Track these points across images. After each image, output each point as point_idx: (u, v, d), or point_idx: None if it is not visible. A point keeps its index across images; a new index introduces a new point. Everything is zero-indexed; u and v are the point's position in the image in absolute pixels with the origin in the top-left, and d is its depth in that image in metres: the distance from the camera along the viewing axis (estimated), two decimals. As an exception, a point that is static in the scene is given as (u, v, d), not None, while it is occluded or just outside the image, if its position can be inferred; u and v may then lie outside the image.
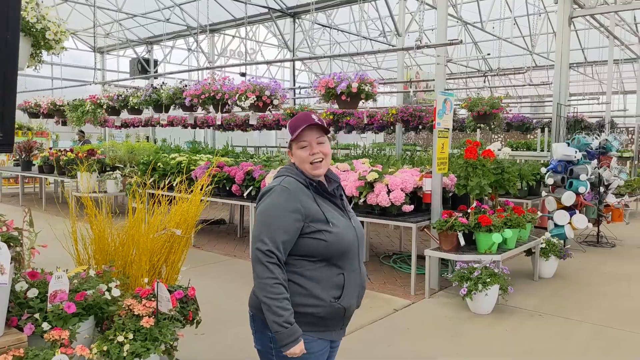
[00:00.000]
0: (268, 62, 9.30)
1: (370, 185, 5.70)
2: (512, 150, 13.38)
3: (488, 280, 4.81)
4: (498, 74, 9.37)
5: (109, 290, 2.45)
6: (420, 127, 8.31)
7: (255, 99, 5.83)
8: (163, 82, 7.69)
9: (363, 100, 5.58)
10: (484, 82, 8.00)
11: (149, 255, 2.79)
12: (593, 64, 19.08)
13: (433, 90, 15.66)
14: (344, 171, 6.35)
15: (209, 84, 6.32)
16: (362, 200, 5.75)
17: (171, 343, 2.25)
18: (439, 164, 5.59)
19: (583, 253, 7.76)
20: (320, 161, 2.03)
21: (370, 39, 13.38)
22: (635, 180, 12.07)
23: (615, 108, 18.12)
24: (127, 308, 2.34)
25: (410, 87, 7.91)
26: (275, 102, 5.96)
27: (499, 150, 6.37)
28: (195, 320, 2.72)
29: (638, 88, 15.77)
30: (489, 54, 12.38)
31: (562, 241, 6.67)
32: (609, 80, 13.12)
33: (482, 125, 6.85)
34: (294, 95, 12.28)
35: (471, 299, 4.85)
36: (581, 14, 9.05)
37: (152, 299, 2.38)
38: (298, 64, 23.37)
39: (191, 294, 2.76)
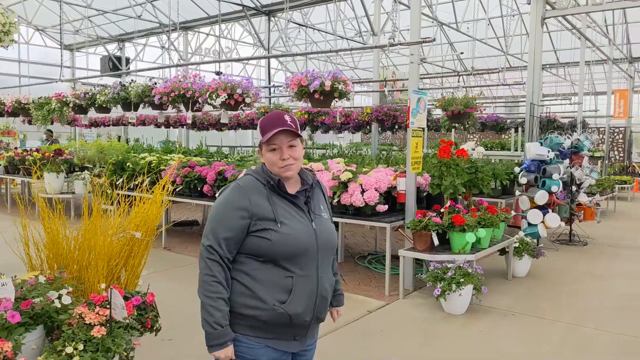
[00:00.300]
0: (239, 60, 9.11)
1: (344, 185, 5.61)
2: (486, 149, 13.50)
3: (462, 280, 4.76)
4: (472, 74, 9.40)
5: (59, 297, 2.30)
6: (396, 127, 8.26)
7: (227, 97, 5.68)
8: (132, 80, 7.47)
9: (337, 99, 5.49)
10: (458, 81, 7.98)
11: (107, 259, 2.64)
12: (565, 65, 19.40)
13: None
14: (318, 171, 6.25)
15: (179, 81, 6.14)
16: (336, 200, 5.66)
17: (126, 353, 2.11)
18: (413, 163, 5.54)
19: (556, 252, 7.82)
20: (290, 165, 1.97)
21: (347, 39, 13.32)
22: (606, 179, 12.27)
23: (586, 108, 18.44)
24: (78, 317, 2.18)
25: (385, 86, 7.86)
26: (248, 100, 5.82)
27: (473, 149, 6.36)
28: (154, 328, 2.58)
29: (608, 89, 16.07)
30: (462, 53, 12.43)
31: (535, 240, 6.69)
32: (581, 81, 13.31)
33: (456, 124, 6.83)
34: (269, 94, 12.13)
35: (445, 300, 4.80)
36: (553, 15, 9.13)
37: (107, 306, 2.23)
38: (274, 63, 23.21)
39: (150, 300, 2.61)
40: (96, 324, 2.12)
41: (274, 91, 11.90)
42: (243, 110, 5.94)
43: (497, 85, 12.67)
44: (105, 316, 2.16)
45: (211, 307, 1.82)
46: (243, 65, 21.66)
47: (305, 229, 1.95)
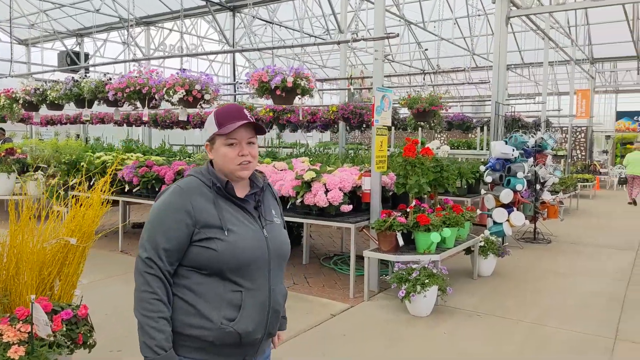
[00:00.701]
0: (196, 55, 8.77)
1: (307, 185, 5.45)
2: (453, 148, 13.58)
3: (426, 281, 4.66)
4: (437, 72, 9.34)
5: (-22, 312, 2.07)
6: (364, 125, 8.15)
7: (185, 93, 5.44)
8: (86, 74, 7.12)
9: (300, 96, 5.32)
10: (424, 79, 7.94)
11: (38, 268, 2.40)
12: (530, 66, 19.72)
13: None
14: (282, 170, 6.07)
15: (135, 77, 5.86)
16: (299, 200, 5.49)
17: (51, 374, 1.90)
18: (377, 162, 5.42)
19: (521, 250, 7.85)
20: (248, 163, 1.79)
21: (314, 37, 13.16)
22: (569, 177, 12.49)
23: (550, 108, 18.80)
24: (-3, 334, 1.96)
25: (351, 84, 7.75)
26: (207, 97, 5.59)
27: (438, 148, 6.29)
28: (87, 344, 2.35)
29: (571, 89, 16.39)
30: (426, 50, 12.43)
31: (500, 239, 6.68)
32: (545, 82, 13.51)
33: (422, 123, 6.75)
34: (235, 92, 11.87)
35: (410, 302, 4.69)
36: (518, 14, 9.19)
37: (31, 321, 2.01)
38: (241, 61, 22.86)
39: (82, 314, 2.39)
40: (15, 342, 1.89)
41: (238, 88, 11.64)
42: (202, 107, 5.71)
43: (463, 84, 12.73)
44: (28, 333, 1.94)
45: (152, 328, 1.61)
46: (209, 63, 21.26)
47: (255, 236, 1.76)
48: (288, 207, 5.79)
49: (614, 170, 17.86)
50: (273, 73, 4.95)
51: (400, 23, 19.28)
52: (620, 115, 24.59)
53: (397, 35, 4.79)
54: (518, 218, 7.73)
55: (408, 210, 5.42)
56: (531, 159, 8.23)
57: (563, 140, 17.92)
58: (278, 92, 4.97)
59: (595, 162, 18.32)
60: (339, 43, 5.41)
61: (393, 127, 10.34)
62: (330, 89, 18.26)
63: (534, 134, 8.30)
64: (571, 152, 16.28)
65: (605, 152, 21.36)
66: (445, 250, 5.35)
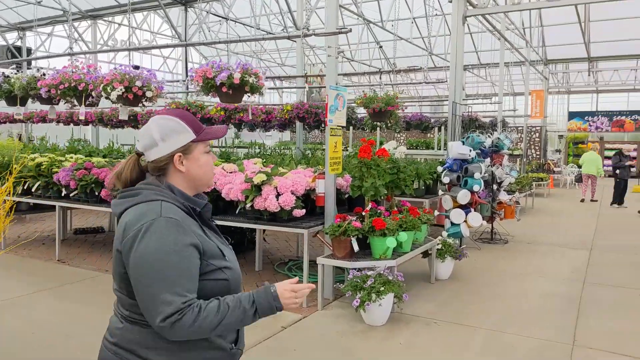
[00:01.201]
0: (138, 49, 8.29)
1: (257, 188, 5.14)
2: (412, 149, 13.52)
3: (382, 288, 4.45)
4: (393, 71, 9.20)
5: None
6: (323, 125, 7.90)
7: (124, 90, 5.04)
8: (18, 69, 6.58)
9: (249, 94, 5.01)
10: (380, 78, 7.78)
11: None
12: (486, 66, 19.99)
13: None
14: (231, 172, 5.75)
15: (70, 72, 5.41)
16: (249, 205, 5.18)
17: None
18: (331, 164, 5.17)
19: (478, 251, 7.78)
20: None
21: (271, 34, 12.80)
22: (525, 177, 12.63)
23: (506, 108, 19.13)
24: None
25: (310, 82, 7.47)
26: (149, 94, 5.20)
27: (395, 149, 6.11)
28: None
29: (526, 90, 16.69)
30: (380, 46, 12.28)
31: (457, 241, 6.56)
32: (500, 82, 13.65)
33: (379, 123, 6.56)
34: (187, 90, 11.40)
35: (364, 311, 4.46)
36: (474, 14, 9.15)
37: None
38: (196, 58, 22.27)
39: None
40: None
41: (187, 86, 11.18)
42: (144, 105, 5.32)
43: (421, 83, 12.69)
44: None
45: (234, 314, 1.48)
46: (164, 60, 20.58)
47: (234, 257, 1.68)
48: (238, 211, 5.47)
49: (567, 169, 18.31)
50: (218, 69, 4.62)
51: (360, 22, 19.19)
52: (572, 115, 25.35)
53: (350, 30, 4.56)
54: (475, 219, 7.66)
55: (364, 213, 5.20)
56: (488, 159, 8.18)
57: (519, 140, 18.24)
58: (224, 89, 4.64)
59: (549, 161, 18.74)
60: (289, 37, 5.13)
61: (352, 127, 10.16)
62: (289, 87, 17.95)
63: (491, 134, 8.26)
64: (526, 152, 16.54)
65: (559, 151, 21.94)
66: (402, 254, 5.16)
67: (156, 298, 1.41)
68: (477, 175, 7.58)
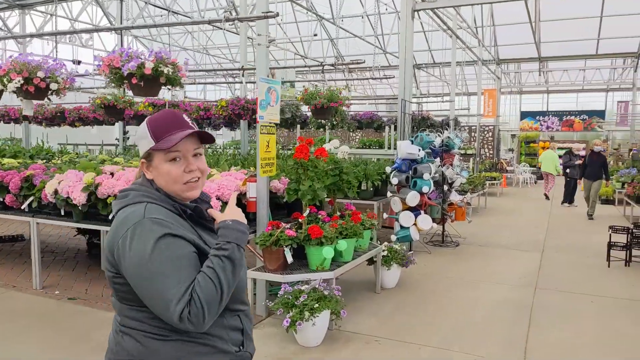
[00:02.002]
0: (60, 33, 7.45)
1: (179, 193, 4.56)
2: (365, 148, 13.15)
3: (316, 305, 3.96)
4: (336, 65, 8.78)
5: None
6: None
7: (23, 81, 4.37)
8: None
9: (167, 87, 4.43)
10: (322, 72, 7.34)
11: None
12: (440, 65, 19.93)
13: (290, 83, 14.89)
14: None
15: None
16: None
17: None
18: (263, 165, 4.66)
19: (429, 255, 7.44)
20: (197, 180, 1.56)
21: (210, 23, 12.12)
22: (477, 176, 12.47)
23: (460, 107, 19.11)
24: None
25: (243, 76, 6.94)
26: (54, 86, 4.54)
27: (337, 148, 5.65)
28: None
29: (478, 89, 16.65)
30: (315, 35, 11.83)
31: (404, 246, 6.16)
32: (453, 80, 13.47)
33: (323, 121, 6.07)
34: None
35: (296, 332, 3.97)
36: (423, 7, 8.83)
37: None
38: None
39: None
40: None
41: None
42: (49, 100, 4.66)
43: (368, 79, 12.33)
44: None
45: (223, 264, 1.44)
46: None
47: None
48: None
49: (520, 168, 18.44)
50: (127, 57, 4.02)
51: (313, 18, 18.76)
52: (524, 115, 25.74)
53: (277, 14, 4.06)
54: (425, 221, 7.31)
55: (301, 220, 4.71)
56: (438, 159, 7.86)
57: (472, 139, 18.22)
58: (134, 81, 4.05)
59: (502, 160, 18.82)
60: (209, 22, 4.58)
61: (298, 126, 9.68)
62: (233, 82, 17.30)
63: (441, 133, 7.95)
64: (479, 151, 16.51)
65: (511, 150, 22.15)
66: (342, 264, 4.70)
67: (160, 298, 1.39)
68: (426, 175, 7.23)
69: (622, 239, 7.17)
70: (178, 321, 1.37)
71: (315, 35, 12.06)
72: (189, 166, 1.53)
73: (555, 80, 23.62)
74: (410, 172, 7.37)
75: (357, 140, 18.98)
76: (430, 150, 8.14)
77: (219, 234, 1.50)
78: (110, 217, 1.47)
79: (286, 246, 4.37)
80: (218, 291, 1.41)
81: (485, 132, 18.46)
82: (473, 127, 18.46)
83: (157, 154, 1.52)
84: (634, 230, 6.89)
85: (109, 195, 4.90)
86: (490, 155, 18.64)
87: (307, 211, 4.89)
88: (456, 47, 13.00)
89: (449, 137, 8.00)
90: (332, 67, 8.66)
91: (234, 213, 1.56)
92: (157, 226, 1.42)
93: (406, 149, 7.30)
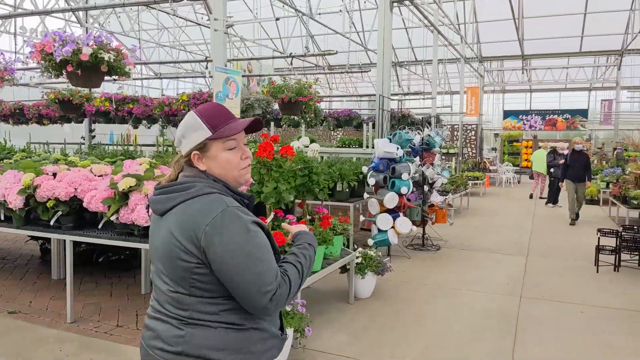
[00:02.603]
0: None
1: (124, 196, 4.06)
2: (344, 147, 12.69)
3: (276, 324, 3.49)
4: (306, 56, 8.26)
5: None
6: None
7: (-55, 70, 3.83)
8: None
9: (112, 78, 3.92)
10: (290, 64, 6.83)
11: None
12: (422, 63, 19.58)
13: (266, 79, 14.35)
14: (101, 176, 4.62)
15: None
16: (114, 217, 4.09)
17: None
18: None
19: (408, 260, 7.02)
20: (249, 165, 1.64)
21: (187, 20, 11.59)
22: (459, 176, 12.11)
23: (442, 105, 18.77)
24: None
25: (207, 68, 6.42)
26: (-17, 76, 4.00)
27: (306, 146, 5.19)
28: None
29: (461, 87, 16.30)
30: (278, 19, 11.33)
31: (380, 252, 5.72)
32: (434, 75, 13.09)
33: (292, 116, 5.59)
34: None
35: (252, 354, 3.49)
36: (403, -1, 8.40)
37: None
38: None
39: None
40: None
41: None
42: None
43: (341, 72, 11.88)
44: None
45: (305, 261, 1.64)
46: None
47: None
48: (101, 225, 4.36)
49: (503, 168, 18.17)
50: (61, 41, 3.50)
51: (292, 14, 18.24)
52: (507, 114, 25.55)
53: (230, -8, 3.59)
54: (404, 225, 6.89)
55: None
56: (417, 158, 7.45)
57: (455, 138, 17.89)
58: (70, 68, 3.54)
59: (485, 160, 18.54)
60: (155, 2, 4.08)
61: (272, 124, 9.18)
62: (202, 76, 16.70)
63: (421, 130, 7.53)
64: (462, 150, 16.18)
65: (495, 149, 21.91)
66: (310, 274, 4.22)
67: (257, 281, 1.46)
68: (405, 176, 6.81)
69: (610, 242, 6.83)
70: (268, 302, 1.46)
71: (278, 19, 11.50)
72: (244, 153, 1.60)
73: (539, 79, 23.46)
74: (388, 172, 6.95)
75: (337, 138, 18.54)
76: (410, 149, 7.73)
77: (297, 238, 1.75)
78: (162, 209, 1.51)
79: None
80: (299, 277, 1.57)
81: (468, 131, 18.16)
82: (456, 126, 18.14)
83: (214, 144, 1.56)
84: (622, 234, 6.55)
85: (50, 199, 4.38)
86: (474, 155, 18.34)
87: (272, 215, 4.42)
88: (438, 45, 12.62)
89: (429, 135, 7.59)
90: (302, 58, 8.15)
91: (302, 226, 1.84)
92: (243, 214, 1.49)
93: (384, 147, 6.87)
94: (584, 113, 24.10)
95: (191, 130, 1.56)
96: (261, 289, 1.45)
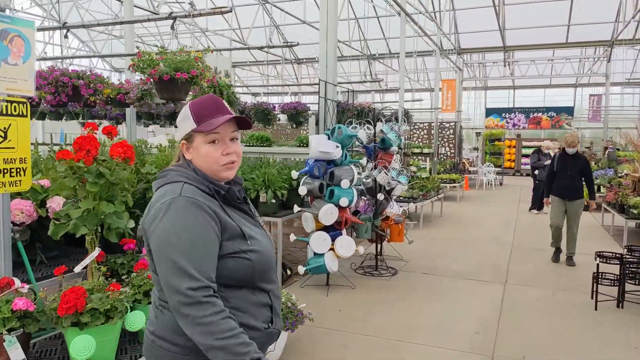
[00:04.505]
0: None
1: None
2: (302, 146, 11.04)
3: None
4: (268, 47, 6.64)
5: None
6: (94, 105, 5.16)
7: None
8: None
9: None
10: (173, 28, 5.25)
11: None
12: (397, 56, 18.03)
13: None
14: None
15: None
16: None
17: None
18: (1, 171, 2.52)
19: (351, 290, 5.42)
20: (233, 163, 1.61)
21: (140, 8, 9.87)
22: (430, 179, 10.56)
23: (412, 99, 17.28)
24: None
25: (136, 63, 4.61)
26: None
27: (172, 143, 3.55)
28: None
29: (436, 80, 14.72)
30: (230, 10, 9.82)
31: (291, 298, 4.10)
32: (401, 65, 11.52)
33: (171, 100, 3.95)
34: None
35: None
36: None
37: None
38: (74, 43, 18.73)
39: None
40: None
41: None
42: None
43: (300, 63, 10.24)
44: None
45: (239, 345, 1.42)
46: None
47: (265, 237, 1.69)
48: None
49: (483, 169, 16.69)
50: None
51: (255, 1, 16.65)
52: (489, 112, 24.19)
53: None
54: (346, 246, 5.31)
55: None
56: (364, 160, 5.87)
57: (423, 136, 16.35)
58: None
59: (464, 160, 17.04)
60: None
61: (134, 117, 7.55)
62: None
63: (369, 124, 5.91)
64: (437, 150, 14.62)
65: (476, 149, 20.47)
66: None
67: (179, 271, 1.43)
68: (345, 183, 5.21)
69: (611, 267, 5.30)
70: (179, 304, 1.42)
71: (230, 11, 9.93)
72: (226, 149, 1.59)
73: (522, 73, 22.06)
74: (326, 177, 5.35)
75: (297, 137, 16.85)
76: (365, 148, 6.17)
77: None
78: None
79: (8, 332, 2.24)
80: (207, 340, 1.41)
81: (446, 130, 16.61)
82: (432, 124, 16.59)
83: (197, 136, 1.59)
84: (627, 258, 5.01)
85: None
86: (452, 155, 16.79)
87: (94, 254, 2.77)
88: (405, 29, 11.07)
89: (381, 130, 6.00)
90: (265, 50, 6.44)
91: None
92: (193, 207, 1.48)
93: (319, 145, 5.26)
94: (569, 110, 22.80)
95: (182, 121, 1.61)
96: (174, 284, 1.42)
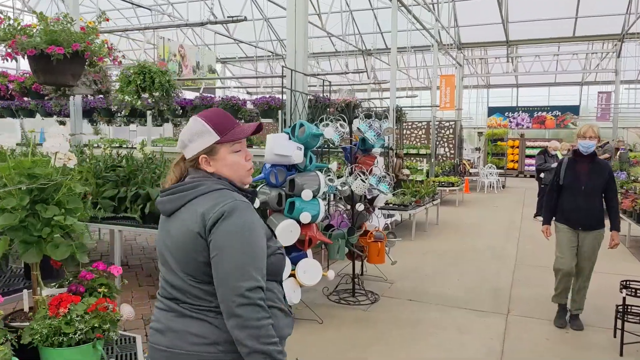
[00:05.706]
0: None
1: None
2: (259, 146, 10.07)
3: None
4: (209, 23, 5.82)
5: None
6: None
7: None
8: None
9: None
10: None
11: None
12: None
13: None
14: None
15: None
16: None
17: None
18: None
19: (318, 326, 4.41)
20: (252, 167, 1.73)
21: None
22: (424, 184, 9.54)
23: (406, 96, 16.24)
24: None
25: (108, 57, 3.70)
26: None
27: (75, 143, 2.59)
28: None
29: (433, 76, 13.68)
30: (212, 4, 8.73)
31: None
32: (393, 58, 10.50)
33: (53, 84, 2.95)
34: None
35: None
36: None
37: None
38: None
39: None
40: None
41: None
42: None
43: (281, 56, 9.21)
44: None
45: (279, 353, 1.51)
46: None
47: None
48: None
49: (485, 170, 15.64)
50: None
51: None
52: (492, 111, 23.14)
53: None
54: (311, 272, 4.32)
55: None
56: (334, 165, 4.87)
57: (423, 135, 15.30)
58: None
59: (464, 161, 15.99)
60: None
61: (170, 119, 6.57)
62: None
63: (343, 121, 4.89)
64: (435, 150, 13.59)
65: (478, 149, 19.41)
66: None
67: (243, 270, 1.48)
68: (306, 194, 4.20)
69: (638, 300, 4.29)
70: (238, 305, 1.45)
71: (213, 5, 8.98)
72: (248, 155, 1.69)
73: (526, 69, 20.98)
74: (285, 186, 4.34)
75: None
76: (342, 150, 5.15)
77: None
78: (172, 208, 1.46)
79: None
80: (257, 334, 1.46)
81: (445, 129, 15.56)
82: (433, 123, 15.54)
83: (222, 147, 1.63)
84: (659, 287, 3.99)
85: None
86: (452, 156, 15.75)
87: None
88: (402, 27, 10.05)
89: (358, 128, 4.99)
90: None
91: None
92: (252, 211, 1.56)
93: (275, 147, 4.25)
94: (574, 110, 21.71)
95: (198, 135, 1.62)
96: (234, 284, 1.47)
